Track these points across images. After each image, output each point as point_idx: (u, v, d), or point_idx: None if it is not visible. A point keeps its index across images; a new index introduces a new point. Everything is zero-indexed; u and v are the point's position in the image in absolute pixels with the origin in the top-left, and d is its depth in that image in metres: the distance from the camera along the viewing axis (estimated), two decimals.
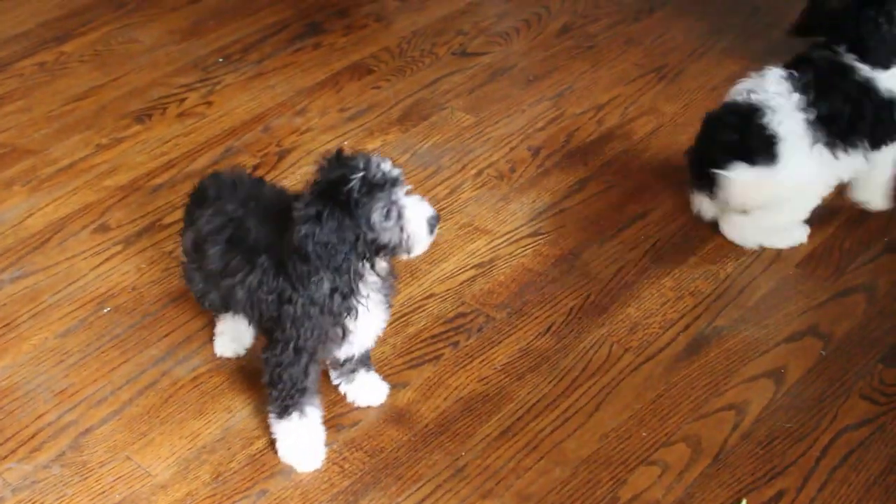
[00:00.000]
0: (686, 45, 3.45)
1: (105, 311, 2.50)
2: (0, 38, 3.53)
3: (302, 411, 2.08)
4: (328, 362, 2.19)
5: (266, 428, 2.21)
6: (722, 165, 2.50)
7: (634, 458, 2.15)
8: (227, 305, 2.16)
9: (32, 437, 2.21)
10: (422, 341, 2.42)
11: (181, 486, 2.11)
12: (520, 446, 2.18)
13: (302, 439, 2.11)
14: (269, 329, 2.05)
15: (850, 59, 2.47)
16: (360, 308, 1.98)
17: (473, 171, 2.92)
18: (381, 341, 2.22)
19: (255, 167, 2.92)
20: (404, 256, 1.94)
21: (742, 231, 2.62)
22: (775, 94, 2.46)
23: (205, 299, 2.22)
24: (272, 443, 2.17)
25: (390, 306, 2.09)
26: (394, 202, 1.88)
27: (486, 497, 2.09)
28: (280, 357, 2.01)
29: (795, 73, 2.47)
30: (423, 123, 3.12)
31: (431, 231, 1.93)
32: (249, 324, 2.18)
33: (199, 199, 2.17)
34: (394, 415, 2.25)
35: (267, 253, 1.98)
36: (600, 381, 2.32)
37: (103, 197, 2.85)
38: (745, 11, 3.61)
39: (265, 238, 2.00)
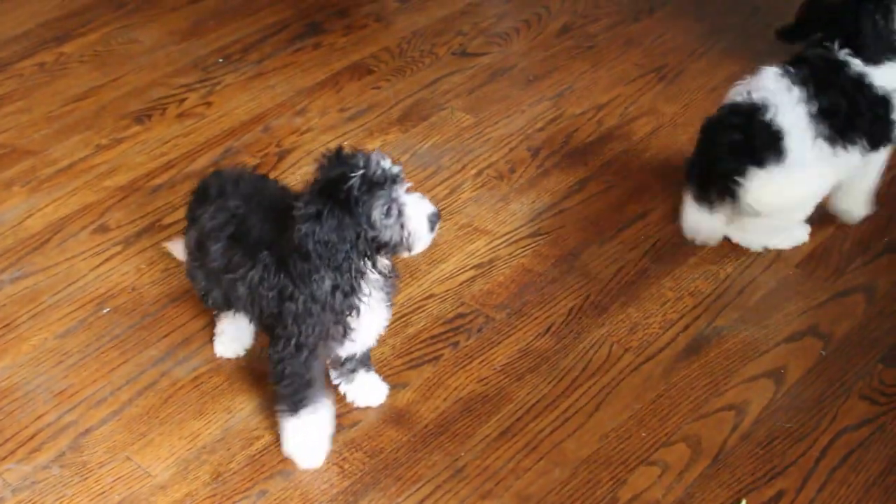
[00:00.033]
0: (686, 46, 3.45)
1: (105, 311, 2.50)
2: (0, 38, 3.53)
3: (312, 406, 2.07)
4: (329, 361, 2.19)
5: (266, 428, 2.21)
6: (732, 170, 2.46)
7: (634, 458, 2.15)
8: (228, 303, 2.16)
9: (32, 437, 2.21)
10: (421, 342, 2.42)
11: (181, 486, 2.11)
12: (519, 447, 2.18)
13: (310, 435, 2.11)
14: (269, 326, 2.05)
15: (844, 55, 2.47)
16: (362, 306, 1.98)
17: (473, 172, 2.92)
18: (381, 342, 2.22)
19: (255, 168, 2.92)
20: (405, 254, 1.94)
21: (748, 234, 2.61)
22: (775, 91, 2.45)
23: (207, 297, 2.22)
24: (273, 443, 2.17)
25: (392, 304, 2.09)
26: (394, 200, 1.88)
27: (486, 498, 2.09)
28: (282, 353, 2.02)
29: (791, 70, 2.47)
30: (423, 124, 3.12)
31: (432, 228, 1.92)
32: (250, 321, 2.18)
33: (201, 197, 2.17)
34: (393, 415, 2.25)
35: (268, 249, 1.98)
36: (600, 382, 2.32)
37: (103, 197, 2.85)
38: (745, 11, 3.61)
39: (267, 235, 2.00)
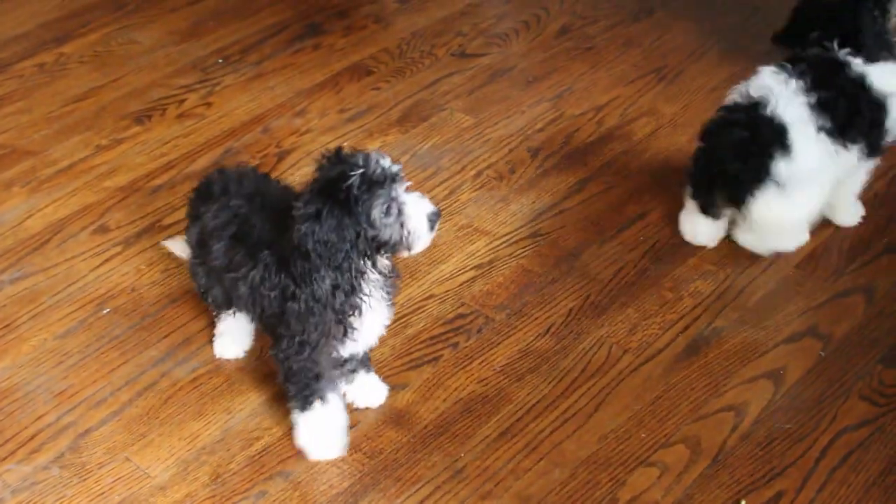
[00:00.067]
0: (685, 46, 3.45)
1: (104, 312, 2.50)
2: (0, 39, 3.53)
3: (323, 398, 2.07)
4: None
5: (266, 429, 2.21)
6: (738, 172, 2.44)
7: (633, 459, 2.15)
8: (229, 301, 2.16)
9: (32, 438, 2.21)
10: (421, 342, 2.42)
11: (180, 487, 2.11)
12: (519, 447, 2.18)
13: (326, 427, 2.11)
14: (271, 325, 2.05)
15: (843, 55, 2.47)
16: (363, 306, 1.98)
17: (473, 173, 2.93)
18: (381, 342, 2.21)
19: (255, 168, 2.92)
20: (405, 253, 1.94)
21: (757, 240, 2.59)
22: (773, 85, 2.44)
23: (208, 295, 2.22)
24: (272, 444, 2.17)
25: (393, 304, 2.09)
26: (394, 198, 1.88)
27: (485, 498, 2.09)
28: (287, 352, 2.02)
29: (789, 66, 2.47)
30: (423, 125, 3.12)
31: (432, 227, 1.92)
32: (252, 320, 2.18)
33: (203, 195, 2.17)
34: (393, 416, 2.25)
35: (269, 249, 1.98)
36: (599, 382, 2.32)
37: (103, 198, 2.85)
38: (745, 12, 3.61)
39: (269, 234, 2.00)
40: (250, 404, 2.27)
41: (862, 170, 2.60)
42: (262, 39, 3.51)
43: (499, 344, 2.41)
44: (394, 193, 1.88)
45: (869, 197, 2.74)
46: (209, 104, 3.21)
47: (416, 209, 1.90)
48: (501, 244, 2.68)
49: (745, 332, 2.43)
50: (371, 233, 1.88)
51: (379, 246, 1.90)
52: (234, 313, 2.25)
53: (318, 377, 2.05)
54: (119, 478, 2.13)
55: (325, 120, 3.14)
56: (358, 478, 2.12)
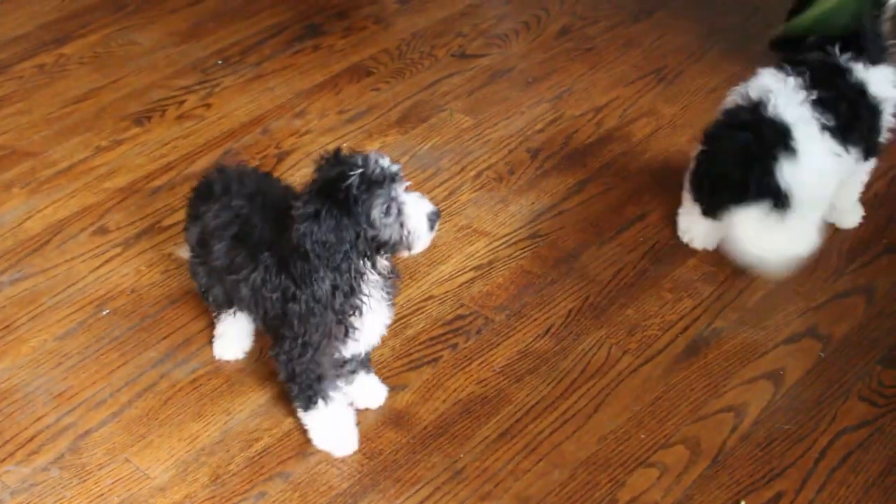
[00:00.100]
0: (685, 47, 3.45)
1: (104, 313, 2.50)
2: (0, 40, 3.53)
3: (326, 397, 2.08)
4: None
5: (265, 430, 2.21)
6: (742, 175, 2.41)
7: (633, 459, 2.15)
8: (230, 301, 2.16)
9: (31, 439, 2.21)
10: (420, 343, 2.42)
11: (180, 488, 2.11)
12: (518, 448, 2.18)
13: (333, 425, 2.12)
14: (274, 327, 2.05)
15: (846, 61, 2.46)
16: (364, 306, 1.98)
17: (472, 173, 2.92)
18: (381, 343, 2.22)
19: (256, 168, 2.92)
20: (405, 254, 1.94)
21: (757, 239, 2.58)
22: (774, 84, 2.43)
23: (208, 294, 2.22)
24: (272, 445, 2.18)
25: (393, 304, 2.08)
26: (393, 198, 1.87)
27: (485, 499, 2.09)
28: (289, 353, 2.02)
29: (788, 67, 2.46)
30: (423, 125, 3.12)
31: (432, 227, 1.92)
32: (254, 321, 2.18)
33: (204, 194, 2.16)
34: (392, 417, 2.25)
35: (270, 250, 1.98)
36: (599, 383, 2.32)
37: (102, 199, 2.85)
38: (745, 12, 3.61)
39: (269, 235, 2.00)
40: (250, 405, 2.27)
41: (861, 171, 2.59)
42: (261, 40, 3.51)
43: (498, 345, 2.41)
44: (393, 193, 1.87)
45: (869, 197, 2.74)
46: (209, 105, 3.21)
47: (415, 209, 1.89)
48: (501, 245, 2.68)
49: (745, 333, 2.43)
50: (371, 233, 1.87)
51: (379, 246, 1.90)
52: (235, 313, 2.25)
53: (320, 378, 2.06)
54: (118, 479, 2.13)
55: (325, 121, 3.14)
56: (357, 479, 2.12)
